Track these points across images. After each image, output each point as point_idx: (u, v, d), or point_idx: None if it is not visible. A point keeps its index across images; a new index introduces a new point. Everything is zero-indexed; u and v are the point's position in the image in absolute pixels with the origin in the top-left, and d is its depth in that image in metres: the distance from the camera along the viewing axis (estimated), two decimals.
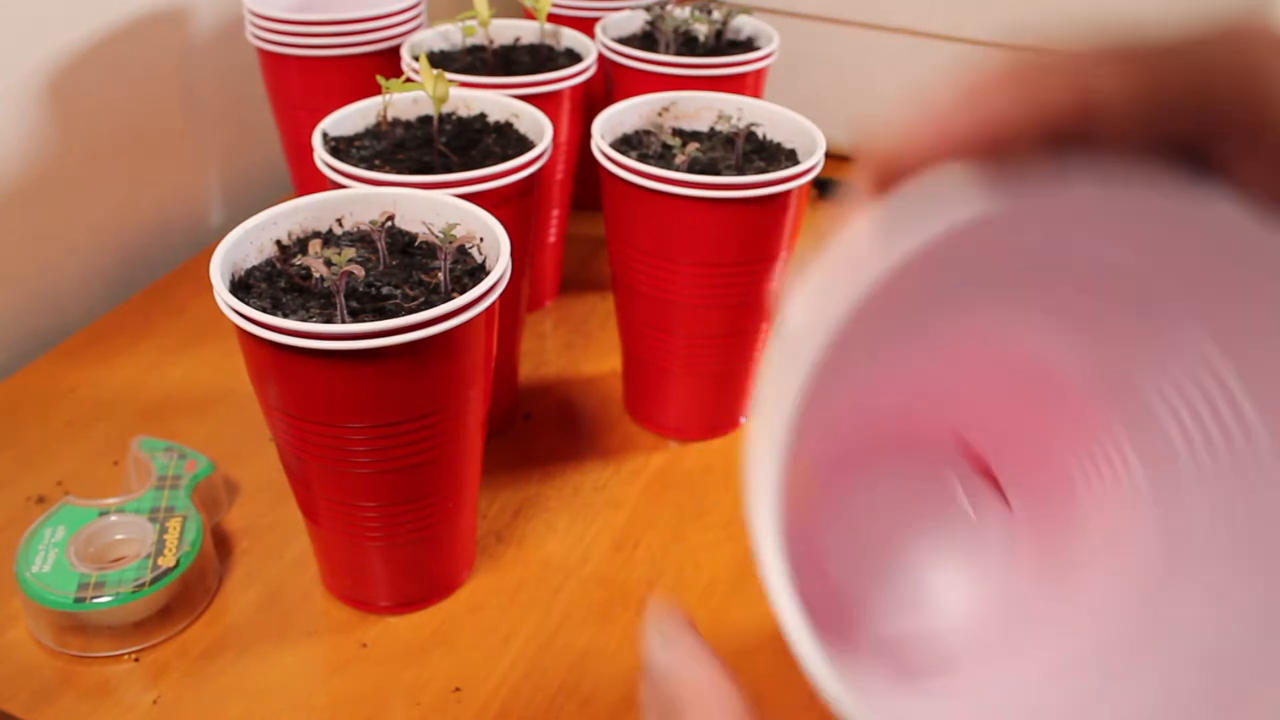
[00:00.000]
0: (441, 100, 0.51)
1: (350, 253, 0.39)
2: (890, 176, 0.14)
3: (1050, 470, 0.22)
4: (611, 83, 0.68)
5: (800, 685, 0.50)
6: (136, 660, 0.45)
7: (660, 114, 0.58)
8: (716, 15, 0.69)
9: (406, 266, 0.43)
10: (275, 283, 0.41)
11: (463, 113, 0.56)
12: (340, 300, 0.39)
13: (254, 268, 0.42)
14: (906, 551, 0.25)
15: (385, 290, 0.41)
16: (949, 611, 0.25)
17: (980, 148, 0.14)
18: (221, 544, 0.51)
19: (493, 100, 0.56)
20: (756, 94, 0.67)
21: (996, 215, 0.14)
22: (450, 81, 0.52)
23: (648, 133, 0.56)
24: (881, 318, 0.16)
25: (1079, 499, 0.22)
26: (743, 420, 0.60)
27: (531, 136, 0.54)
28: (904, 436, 0.25)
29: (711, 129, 0.57)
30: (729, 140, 0.55)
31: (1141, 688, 0.20)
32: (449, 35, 0.67)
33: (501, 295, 0.41)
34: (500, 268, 0.41)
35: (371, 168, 0.50)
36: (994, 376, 0.23)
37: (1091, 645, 0.22)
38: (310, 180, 0.65)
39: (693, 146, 0.52)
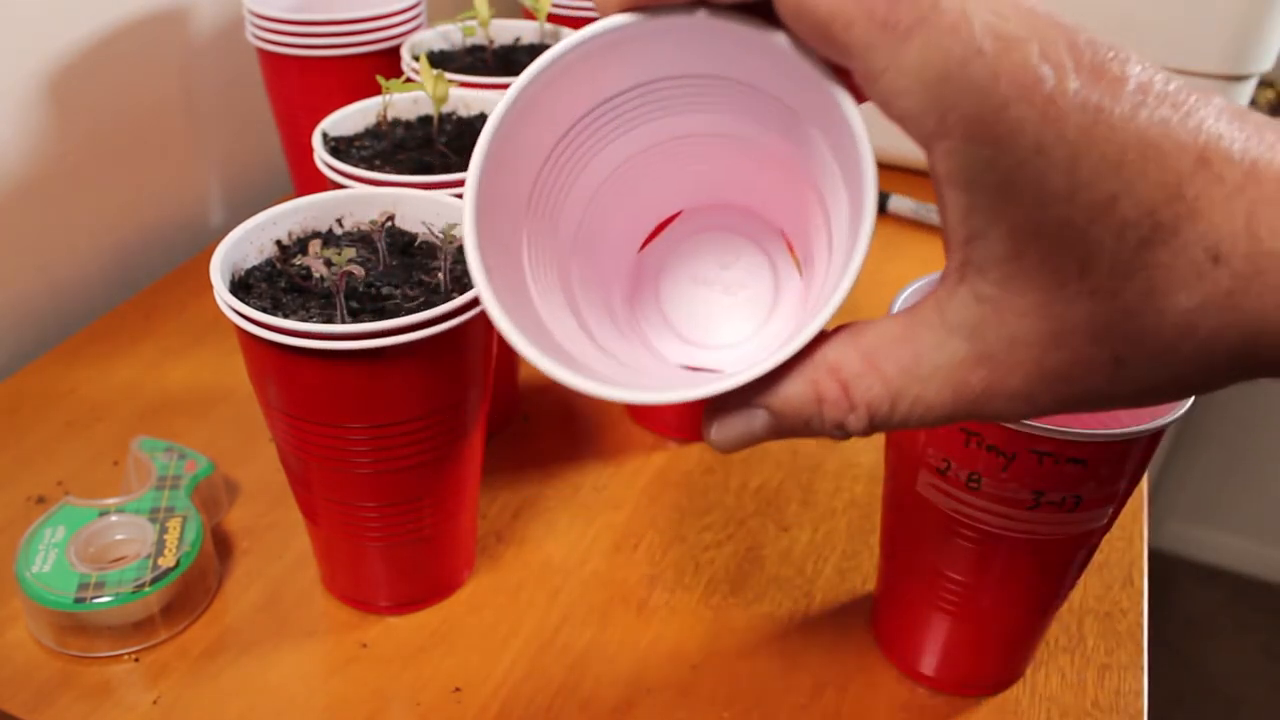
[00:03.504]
0: (441, 100, 0.51)
1: (350, 253, 0.39)
2: (611, 6, 0.26)
3: (813, 244, 0.30)
4: None
5: (801, 683, 0.50)
6: (136, 660, 0.45)
7: None
8: None
9: (406, 266, 0.43)
10: (275, 283, 0.41)
11: (463, 113, 0.56)
12: (340, 300, 0.39)
13: (254, 268, 0.42)
14: (714, 294, 0.35)
15: (385, 290, 0.41)
16: (724, 338, 0.35)
17: None
18: (221, 544, 0.51)
19: (493, 100, 0.56)
20: None
21: (647, 28, 0.25)
22: (450, 81, 0.52)
23: None
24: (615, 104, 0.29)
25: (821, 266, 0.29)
26: None
27: None
28: (737, 219, 0.34)
29: None
30: None
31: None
32: (449, 35, 0.67)
33: None
34: None
35: (371, 168, 0.50)
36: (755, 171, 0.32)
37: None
38: (310, 180, 0.65)
39: None
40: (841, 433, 0.25)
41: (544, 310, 0.30)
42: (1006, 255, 0.23)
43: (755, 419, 0.26)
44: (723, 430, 0.26)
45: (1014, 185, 0.22)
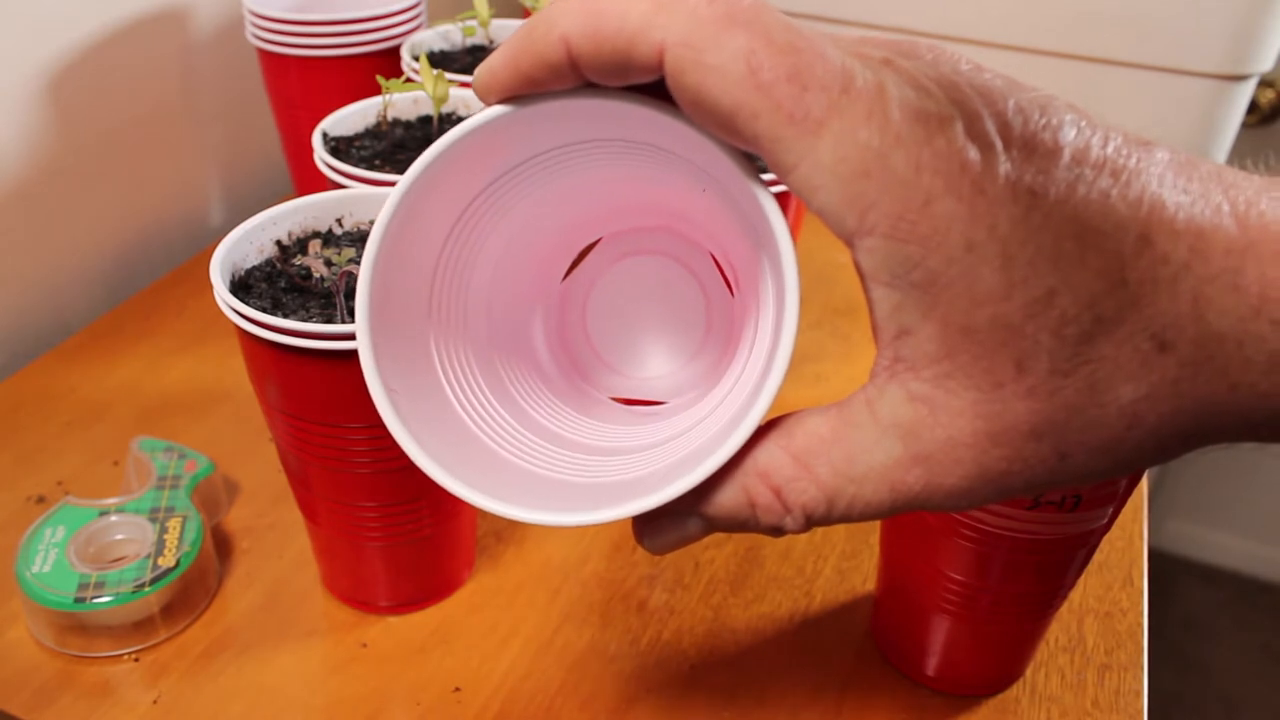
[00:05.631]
0: (441, 100, 0.51)
1: (350, 253, 0.39)
2: (490, 96, 0.24)
3: (751, 270, 0.29)
4: None
5: (801, 684, 0.50)
6: (136, 660, 0.45)
7: None
8: None
9: None
10: (275, 283, 0.41)
11: (463, 113, 0.56)
12: (340, 300, 0.39)
13: (254, 268, 0.42)
14: (645, 321, 0.34)
15: None
16: (655, 369, 0.35)
17: (522, 82, 0.24)
18: (221, 544, 0.51)
19: None
20: None
21: (533, 112, 0.24)
22: (450, 81, 0.52)
23: None
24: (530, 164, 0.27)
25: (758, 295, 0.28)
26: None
27: None
28: (660, 241, 0.33)
29: None
30: None
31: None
32: (449, 35, 0.67)
33: None
34: None
35: (371, 168, 0.50)
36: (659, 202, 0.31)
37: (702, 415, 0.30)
38: (310, 180, 0.65)
39: None
40: (778, 533, 0.24)
41: (463, 406, 0.29)
42: (938, 354, 0.21)
43: (689, 525, 0.25)
44: (656, 539, 0.26)
45: (944, 283, 0.21)
